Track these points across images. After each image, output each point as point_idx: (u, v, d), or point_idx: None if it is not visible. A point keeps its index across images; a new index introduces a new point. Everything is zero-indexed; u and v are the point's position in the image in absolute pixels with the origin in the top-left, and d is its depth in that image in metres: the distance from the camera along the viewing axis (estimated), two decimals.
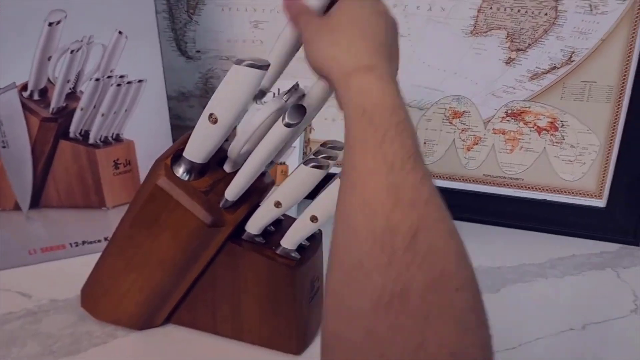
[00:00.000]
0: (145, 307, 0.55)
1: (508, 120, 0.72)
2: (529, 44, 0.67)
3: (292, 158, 0.77)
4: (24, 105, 0.61)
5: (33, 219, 0.66)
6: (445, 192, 0.78)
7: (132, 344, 0.56)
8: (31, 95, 0.61)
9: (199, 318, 0.56)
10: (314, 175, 0.45)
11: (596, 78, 0.67)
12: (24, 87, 0.60)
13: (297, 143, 0.78)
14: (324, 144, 0.48)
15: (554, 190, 0.73)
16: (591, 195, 0.72)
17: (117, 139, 0.66)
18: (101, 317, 0.57)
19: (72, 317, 0.59)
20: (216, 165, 0.50)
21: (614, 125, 0.68)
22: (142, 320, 0.56)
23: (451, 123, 0.74)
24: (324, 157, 0.46)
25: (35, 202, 0.65)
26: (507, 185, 0.74)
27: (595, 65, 0.66)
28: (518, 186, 0.74)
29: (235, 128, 0.47)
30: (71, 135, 0.64)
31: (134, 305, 0.55)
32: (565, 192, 0.73)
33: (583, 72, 0.67)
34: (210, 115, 0.44)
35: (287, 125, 0.42)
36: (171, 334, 0.57)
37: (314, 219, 0.47)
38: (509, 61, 0.69)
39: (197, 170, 0.48)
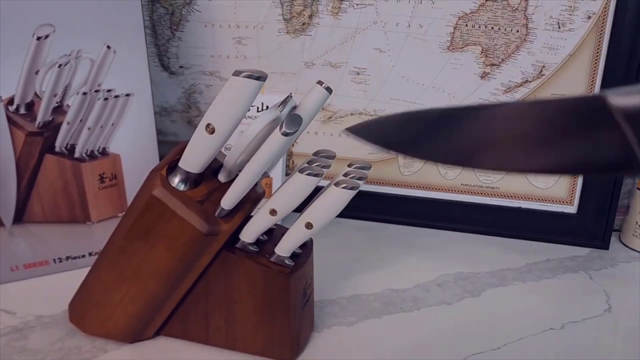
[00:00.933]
0: (137, 320, 0.55)
1: None
2: (503, 59, 0.71)
3: (276, 171, 0.79)
4: (9, 119, 0.60)
5: (16, 235, 0.65)
6: (426, 202, 0.81)
7: (124, 358, 0.56)
8: (17, 109, 0.61)
9: (191, 329, 0.56)
10: (309, 183, 0.46)
11: (565, 91, 0.71)
12: (10, 101, 0.60)
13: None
14: (316, 153, 0.50)
15: (528, 198, 0.76)
16: (562, 202, 0.76)
17: (104, 152, 0.67)
18: (90, 331, 0.57)
19: (59, 333, 0.58)
20: (211, 175, 0.51)
21: None
22: (133, 333, 0.56)
23: None
24: (317, 166, 0.48)
25: (19, 217, 0.65)
26: (484, 194, 0.77)
27: (564, 79, 0.70)
28: (494, 194, 0.77)
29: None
30: (57, 149, 0.64)
31: (125, 318, 0.55)
32: (538, 199, 0.76)
33: (553, 86, 0.71)
34: (208, 125, 0.45)
35: (285, 134, 0.43)
36: (163, 346, 0.57)
37: (309, 225, 0.48)
38: (484, 75, 0.72)
39: (193, 180, 0.49)
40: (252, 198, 0.52)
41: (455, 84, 0.73)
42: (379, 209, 0.80)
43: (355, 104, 0.77)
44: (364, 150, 0.79)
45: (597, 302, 0.65)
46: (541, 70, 0.71)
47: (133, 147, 0.68)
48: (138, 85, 0.65)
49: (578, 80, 0.70)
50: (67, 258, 0.68)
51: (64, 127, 0.63)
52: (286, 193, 0.47)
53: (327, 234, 0.77)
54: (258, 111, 0.78)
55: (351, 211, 0.81)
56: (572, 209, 0.76)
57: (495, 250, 0.75)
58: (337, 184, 0.46)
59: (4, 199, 0.63)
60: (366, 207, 0.80)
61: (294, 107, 0.50)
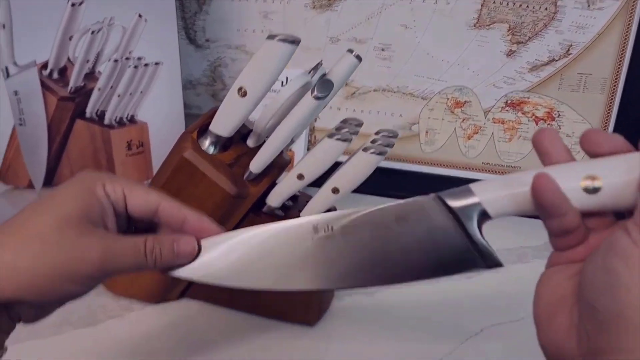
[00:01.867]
0: (163, 282, 0.57)
1: (507, 110, 0.75)
2: (530, 37, 0.71)
3: (298, 145, 0.80)
4: (42, 84, 0.62)
5: None
6: (445, 180, 0.81)
7: (148, 317, 0.57)
8: (50, 74, 0.62)
9: (215, 292, 0.57)
10: (338, 148, 0.47)
11: (592, 70, 0.71)
12: (44, 66, 0.61)
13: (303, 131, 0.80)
14: (344, 121, 0.51)
15: None
16: None
17: (132, 120, 0.68)
18: (118, 292, 0.59)
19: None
20: (239, 141, 0.52)
21: (607, 116, 0.72)
22: (159, 294, 0.58)
23: (453, 113, 0.77)
24: (345, 132, 0.48)
25: (49, 180, 0.66)
26: (505, 172, 0.78)
27: (591, 58, 0.70)
28: None
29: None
30: (87, 115, 0.65)
31: (152, 279, 0.57)
32: None
33: (580, 65, 0.71)
34: (240, 88, 0.46)
35: (317, 97, 0.44)
36: (187, 308, 0.59)
37: (335, 190, 0.49)
38: (509, 53, 0.72)
39: (222, 144, 0.50)
40: (279, 164, 0.53)
41: (481, 61, 0.73)
42: (400, 185, 0.81)
43: (379, 80, 0.78)
44: (385, 126, 0.79)
45: None
46: (568, 49, 0.71)
47: (160, 116, 0.69)
48: (167, 54, 0.66)
49: (605, 61, 0.70)
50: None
51: (95, 93, 0.65)
52: (314, 158, 0.48)
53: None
54: (282, 86, 0.78)
55: (372, 188, 0.82)
56: None
57: (515, 228, 0.75)
58: (365, 149, 0.47)
59: (35, 162, 0.65)
60: (387, 183, 0.81)
61: (324, 75, 0.51)
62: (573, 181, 0.30)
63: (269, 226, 0.36)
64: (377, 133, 0.50)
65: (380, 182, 0.81)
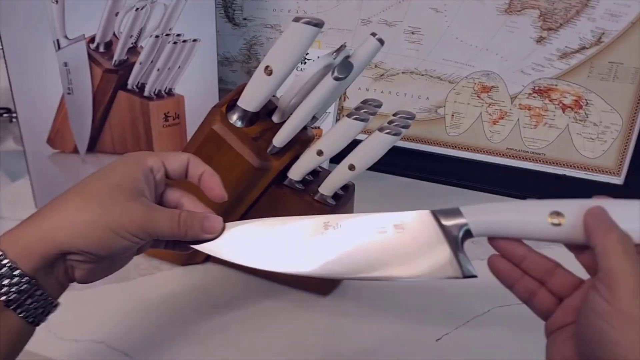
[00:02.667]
0: None
1: (534, 97, 0.75)
2: (561, 24, 0.71)
3: (326, 123, 0.82)
4: (89, 56, 0.67)
5: (88, 163, 0.72)
6: (469, 164, 0.82)
7: (175, 277, 0.62)
8: (97, 47, 0.67)
9: None
10: (355, 127, 0.50)
11: (623, 59, 0.70)
12: (92, 40, 0.66)
13: (332, 109, 0.83)
14: (364, 102, 0.53)
15: (574, 166, 0.77)
16: (610, 172, 0.76)
17: (169, 93, 0.72)
18: (150, 253, 0.64)
19: None
20: (265, 116, 0.55)
21: (637, 106, 0.72)
22: (186, 256, 0.62)
23: (479, 97, 0.78)
24: (364, 112, 0.51)
25: (92, 147, 0.72)
26: (529, 159, 0.78)
27: (624, 47, 0.70)
28: (539, 160, 0.78)
29: None
30: (129, 86, 0.70)
31: None
32: (584, 168, 0.77)
33: (611, 53, 0.71)
34: (266, 67, 0.49)
35: (336, 78, 0.47)
36: (210, 271, 0.63)
37: (352, 167, 0.52)
38: (539, 40, 0.73)
39: (249, 118, 0.54)
40: (302, 139, 0.56)
41: (510, 47, 0.74)
42: (423, 167, 0.83)
43: (407, 63, 0.79)
44: (412, 109, 0.81)
45: None
46: (600, 37, 0.70)
47: (196, 90, 0.73)
48: (205, 32, 0.69)
49: (637, 50, 0.69)
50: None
51: (136, 67, 0.69)
52: (333, 135, 0.51)
53: (370, 188, 0.81)
54: (304, 64, 0.81)
55: (396, 168, 0.84)
56: (618, 180, 0.76)
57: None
58: (381, 130, 0.49)
59: (81, 129, 0.70)
60: (410, 164, 0.83)
61: (348, 57, 0.53)
62: (542, 216, 0.36)
63: (286, 219, 0.41)
64: (395, 114, 0.52)
65: (406, 164, 0.83)
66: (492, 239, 0.37)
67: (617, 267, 0.32)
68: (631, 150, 0.73)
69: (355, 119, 0.49)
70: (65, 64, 0.66)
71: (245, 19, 0.86)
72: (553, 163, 0.78)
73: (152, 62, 0.69)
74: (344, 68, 0.47)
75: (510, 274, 0.38)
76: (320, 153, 0.52)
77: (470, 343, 0.55)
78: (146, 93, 0.71)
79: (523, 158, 0.79)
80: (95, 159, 0.72)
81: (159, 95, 0.72)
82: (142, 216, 0.37)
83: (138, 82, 0.70)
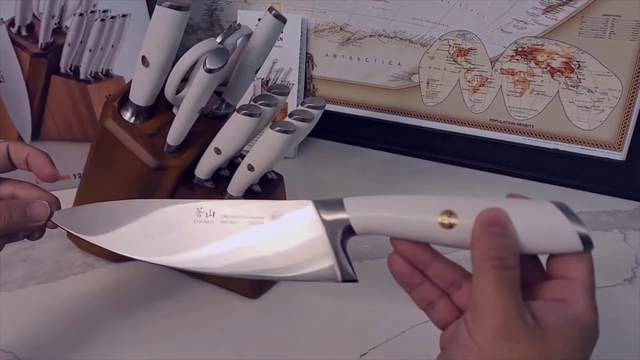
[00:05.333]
0: None
1: (517, 60, 0.64)
2: None
3: (291, 96, 0.75)
4: (13, 41, 0.62)
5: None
6: (448, 137, 0.73)
7: (107, 275, 0.59)
8: (19, 31, 0.62)
9: None
10: (246, 123, 0.43)
11: (620, 11, 0.57)
12: (11, 23, 0.62)
13: (296, 80, 0.75)
14: (269, 89, 0.46)
15: (567, 140, 0.66)
16: (609, 146, 0.64)
17: (107, 74, 0.67)
18: (83, 247, 0.61)
19: (60, 246, 0.62)
20: (166, 108, 0.49)
21: (639, 67, 0.59)
22: (115, 254, 0.59)
23: (455, 61, 0.67)
24: (262, 104, 0.44)
25: (36, 135, 0.69)
26: (515, 131, 0.68)
27: None
28: (527, 133, 0.67)
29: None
30: (62, 70, 0.65)
31: None
32: (579, 141, 0.65)
33: (605, 4, 0.58)
34: (143, 58, 0.43)
35: (208, 70, 0.40)
36: (143, 268, 0.59)
37: (250, 167, 0.45)
38: None
39: (145, 112, 0.48)
40: (209, 133, 0.49)
41: (486, 1, 0.62)
42: (398, 140, 0.74)
43: (374, 24, 0.69)
44: (384, 76, 0.72)
45: (620, 269, 0.56)
46: None
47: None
48: (134, 6, 0.63)
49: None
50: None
51: (65, 49, 0.64)
52: (227, 132, 0.45)
53: (346, 164, 0.74)
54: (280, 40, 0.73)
55: (374, 141, 0.76)
56: (619, 156, 0.64)
57: (522, 194, 0.67)
58: (272, 127, 0.42)
59: (20, 117, 0.67)
60: (385, 138, 0.75)
61: (249, 36, 0.46)
62: (431, 215, 0.30)
63: (158, 202, 0.37)
64: (303, 104, 0.45)
65: (383, 137, 0.75)
66: (392, 239, 0.32)
67: (484, 297, 0.28)
68: (634, 120, 0.61)
69: (245, 114, 0.42)
70: None
71: None
72: (543, 136, 0.67)
73: (82, 42, 0.64)
74: (217, 58, 0.40)
75: (410, 279, 0.32)
76: (218, 151, 0.46)
77: (399, 358, 0.48)
78: (82, 76, 0.66)
79: (509, 130, 0.68)
80: (43, 146, 0.69)
81: (96, 78, 0.67)
82: None
83: (71, 65, 0.65)
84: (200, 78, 0.41)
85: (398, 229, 0.31)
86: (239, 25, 0.44)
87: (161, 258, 0.35)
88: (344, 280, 0.32)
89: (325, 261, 0.32)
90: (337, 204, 0.32)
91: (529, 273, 0.30)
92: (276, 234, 0.33)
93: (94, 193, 0.53)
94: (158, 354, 0.49)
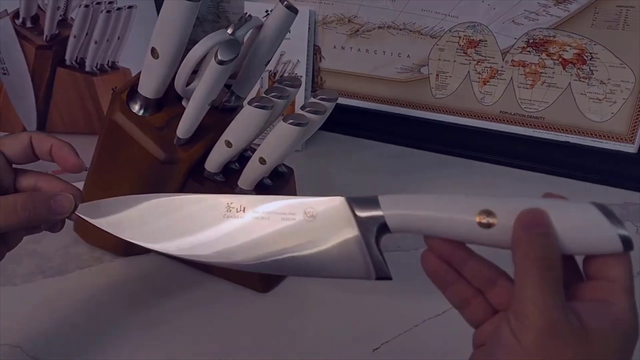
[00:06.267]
0: None
1: (529, 51, 0.63)
2: None
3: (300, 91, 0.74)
4: (18, 33, 0.62)
5: None
6: (458, 130, 0.72)
7: (114, 269, 0.59)
8: (24, 22, 0.61)
9: None
10: (258, 116, 0.42)
11: (634, 2, 0.57)
12: (16, 15, 0.61)
13: (304, 72, 0.74)
14: (280, 81, 0.45)
15: (578, 132, 0.65)
16: (621, 138, 0.63)
17: (113, 66, 0.66)
18: (91, 242, 0.60)
19: (66, 240, 0.62)
20: (175, 100, 0.49)
21: None
22: (123, 247, 0.58)
23: (466, 53, 0.66)
24: (274, 96, 0.43)
25: (41, 127, 0.68)
26: (526, 124, 0.67)
27: None
28: (538, 125, 0.67)
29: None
30: (67, 62, 0.65)
31: None
32: (590, 134, 0.65)
33: None
34: (152, 50, 0.42)
35: (220, 62, 0.39)
36: (151, 262, 0.59)
37: (262, 160, 0.45)
38: None
39: (153, 105, 0.47)
40: (219, 126, 0.49)
41: None
42: (409, 133, 0.74)
43: (383, 15, 0.68)
44: (393, 68, 0.71)
45: (633, 262, 0.55)
46: None
47: (142, 61, 0.66)
48: None
49: None
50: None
51: (71, 41, 0.63)
52: (238, 125, 0.44)
53: (352, 158, 0.73)
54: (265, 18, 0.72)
55: (381, 134, 0.75)
56: (631, 148, 0.63)
57: (534, 187, 0.66)
58: (284, 119, 0.41)
59: (25, 109, 0.66)
60: (395, 130, 0.74)
61: (260, 28, 0.45)
62: (469, 215, 0.30)
63: (185, 196, 0.36)
64: (314, 96, 0.45)
65: (391, 130, 0.74)
66: (427, 237, 0.31)
67: (529, 298, 0.27)
68: None
69: (256, 106, 0.42)
70: None
71: None
72: (554, 128, 0.66)
73: (87, 34, 0.63)
74: (229, 49, 0.39)
75: (444, 277, 0.32)
76: (228, 144, 0.45)
77: (414, 353, 0.48)
78: (87, 68, 0.66)
79: (519, 123, 0.67)
80: None
81: (102, 70, 0.66)
82: None
83: (77, 57, 0.65)
84: (211, 70, 0.40)
85: (434, 228, 0.31)
86: (250, 16, 0.44)
87: (192, 253, 0.35)
88: (378, 278, 0.32)
89: (359, 258, 0.32)
90: (371, 201, 0.31)
91: (567, 273, 0.30)
92: (308, 231, 0.33)
93: (102, 186, 0.52)
94: (167, 348, 0.49)
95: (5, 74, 0.63)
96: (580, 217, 0.29)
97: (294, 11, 0.44)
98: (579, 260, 0.32)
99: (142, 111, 0.47)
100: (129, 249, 0.59)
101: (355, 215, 0.32)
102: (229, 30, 0.42)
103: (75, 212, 0.37)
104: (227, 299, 0.54)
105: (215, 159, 0.47)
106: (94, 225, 0.50)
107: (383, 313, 0.51)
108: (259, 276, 0.53)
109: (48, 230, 0.40)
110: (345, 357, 0.47)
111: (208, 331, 0.51)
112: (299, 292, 0.54)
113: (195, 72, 0.46)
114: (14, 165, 0.38)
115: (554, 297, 0.27)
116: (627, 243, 0.28)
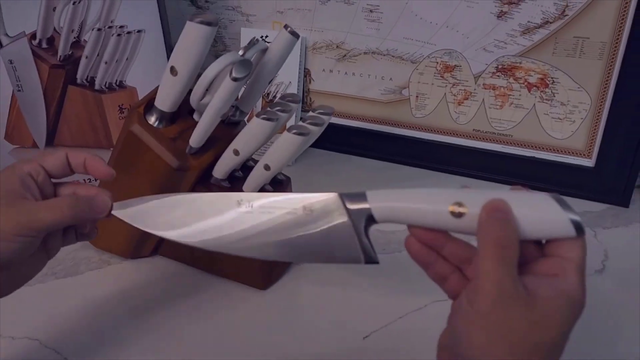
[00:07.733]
0: (133, 239, 0.62)
1: (498, 76, 0.71)
2: None
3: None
4: (33, 53, 0.67)
5: None
6: (435, 146, 0.79)
7: (123, 271, 0.63)
8: (40, 43, 0.67)
9: (180, 253, 0.62)
10: (264, 127, 0.48)
11: (589, 34, 0.65)
12: (33, 36, 0.66)
13: (297, 90, 0.81)
14: (283, 97, 0.52)
15: (542, 148, 0.73)
16: (580, 154, 0.71)
17: (121, 85, 0.72)
18: (100, 246, 0.65)
19: (76, 245, 0.65)
20: (187, 115, 0.54)
21: (606, 83, 0.66)
22: (131, 250, 0.63)
23: (442, 77, 0.74)
24: (278, 110, 0.49)
25: (50, 140, 0.73)
26: (496, 140, 0.75)
27: (589, 21, 0.64)
28: (507, 142, 0.74)
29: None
30: (78, 81, 0.70)
31: (124, 236, 0.62)
32: (553, 150, 0.72)
33: (576, 28, 0.65)
34: (172, 68, 0.48)
35: (234, 79, 0.45)
36: (157, 264, 0.64)
37: (267, 167, 0.50)
38: (500, 15, 0.68)
39: (168, 118, 0.53)
40: (225, 137, 0.54)
41: (470, 23, 0.69)
42: (392, 149, 0.80)
43: (369, 42, 0.76)
44: (376, 90, 0.78)
45: (591, 262, 0.62)
46: (564, 10, 0.65)
47: (148, 80, 0.72)
48: (149, 21, 0.68)
49: (604, 23, 0.64)
50: (96, 179, 0.76)
51: (83, 61, 0.69)
52: (246, 135, 0.50)
53: (338, 170, 0.79)
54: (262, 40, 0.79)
55: (365, 150, 0.82)
56: (589, 162, 0.71)
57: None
58: (289, 129, 0.47)
59: (36, 124, 0.71)
60: (378, 147, 0.81)
61: (265, 50, 0.51)
62: (443, 205, 0.34)
63: (204, 195, 0.41)
64: (313, 110, 0.51)
65: (374, 146, 0.81)
66: (409, 226, 0.36)
67: (484, 272, 0.32)
68: (601, 130, 0.68)
69: (264, 118, 0.48)
70: (11, 62, 0.66)
71: (207, 1, 0.84)
72: (521, 145, 0.74)
73: (98, 55, 0.69)
74: (242, 67, 0.45)
75: (426, 258, 0.37)
76: (236, 152, 0.51)
77: (400, 340, 0.54)
78: (97, 87, 0.71)
79: (490, 140, 0.75)
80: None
81: (110, 88, 0.72)
82: (20, 215, 0.38)
83: (87, 76, 0.70)
84: (226, 86, 0.46)
85: (414, 218, 0.35)
86: (257, 40, 0.50)
87: (211, 240, 0.40)
88: (367, 262, 0.36)
89: (351, 244, 0.36)
90: (360, 196, 0.36)
91: (529, 255, 0.34)
92: (308, 222, 0.37)
93: (118, 192, 0.57)
94: (170, 344, 0.53)
95: (20, 90, 0.68)
96: (537, 205, 0.33)
97: (297, 36, 0.50)
98: None
99: (157, 123, 0.53)
100: (132, 253, 0.64)
101: (346, 208, 0.36)
102: (240, 52, 0.48)
103: (111, 211, 0.42)
104: (229, 295, 0.59)
105: (223, 166, 0.53)
106: (101, 229, 0.55)
107: (371, 307, 0.57)
108: (260, 274, 0.58)
109: (84, 238, 0.45)
110: (338, 344, 0.53)
111: (210, 326, 0.55)
112: (295, 289, 0.60)
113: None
114: (52, 180, 0.43)
115: (506, 270, 0.31)
116: (578, 227, 0.32)
